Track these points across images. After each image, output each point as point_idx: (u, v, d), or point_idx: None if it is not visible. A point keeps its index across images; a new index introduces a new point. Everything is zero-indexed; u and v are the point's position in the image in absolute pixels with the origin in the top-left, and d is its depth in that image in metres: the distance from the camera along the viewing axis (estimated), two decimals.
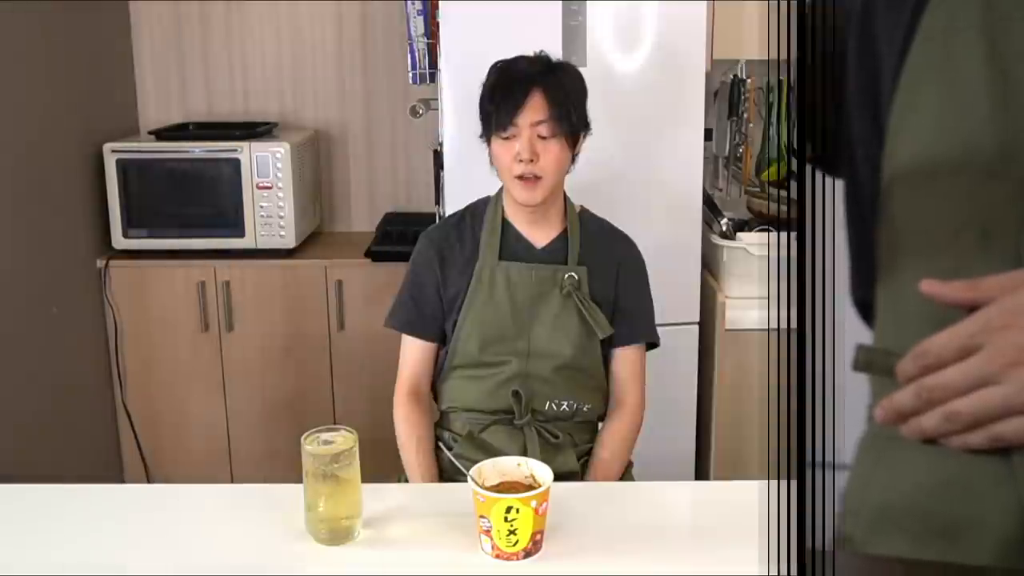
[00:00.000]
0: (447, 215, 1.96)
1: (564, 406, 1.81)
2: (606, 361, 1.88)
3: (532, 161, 1.71)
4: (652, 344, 1.93)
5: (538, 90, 1.70)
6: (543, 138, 1.71)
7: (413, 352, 1.87)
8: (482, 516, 1.33)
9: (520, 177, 1.73)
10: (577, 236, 1.84)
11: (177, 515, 1.51)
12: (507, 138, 1.72)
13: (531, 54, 1.79)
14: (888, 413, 0.78)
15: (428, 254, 1.86)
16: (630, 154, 2.45)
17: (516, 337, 1.80)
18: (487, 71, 1.79)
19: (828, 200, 0.77)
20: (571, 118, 1.73)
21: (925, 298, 0.76)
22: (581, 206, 1.91)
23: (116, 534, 1.44)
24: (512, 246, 1.83)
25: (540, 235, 1.84)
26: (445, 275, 1.84)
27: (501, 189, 1.86)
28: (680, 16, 2.38)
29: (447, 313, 1.85)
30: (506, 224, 1.84)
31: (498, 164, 1.77)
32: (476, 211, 1.88)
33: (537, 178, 1.73)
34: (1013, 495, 0.75)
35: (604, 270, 1.84)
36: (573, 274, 1.80)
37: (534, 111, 1.70)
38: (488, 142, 1.79)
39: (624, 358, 1.88)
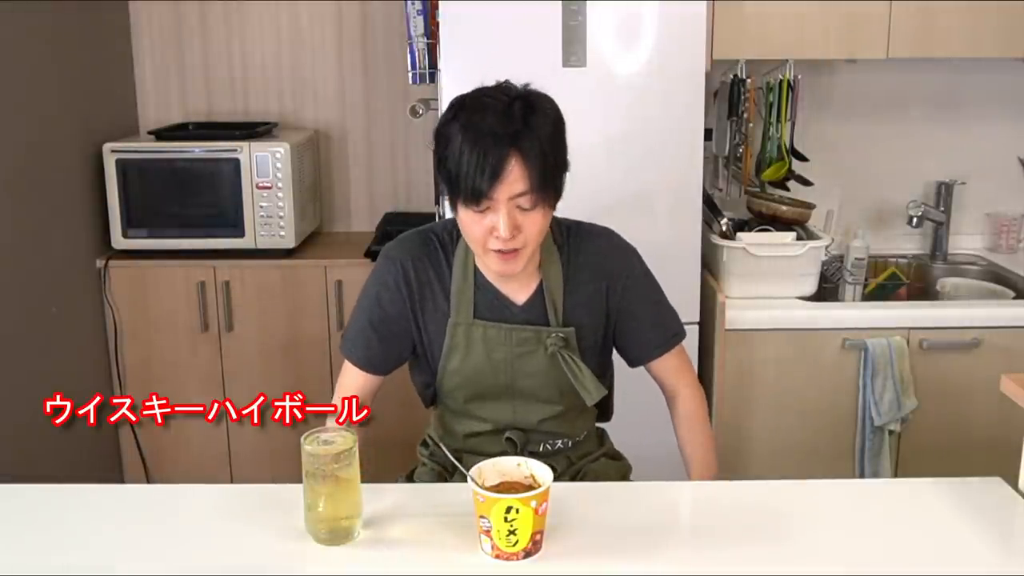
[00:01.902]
0: (413, 233, 1.71)
1: (559, 444, 1.76)
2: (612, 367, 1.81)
3: (513, 237, 1.49)
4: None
5: (516, 156, 1.44)
6: (524, 209, 1.49)
7: (355, 381, 1.73)
8: (482, 516, 1.33)
9: (498, 251, 1.51)
10: (559, 285, 1.65)
11: (177, 515, 1.51)
12: (480, 211, 1.48)
13: (495, 86, 1.54)
14: None
15: (395, 291, 1.66)
16: (630, 154, 2.45)
17: (500, 394, 1.68)
18: (446, 109, 1.53)
19: None
20: (554, 181, 1.51)
21: None
22: (555, 222, 1.69)
23: (116, 534, 1.44)
24: (488, 303, 1.64)
25: (519, 291, 1.65)
26: (419, 326, 1.67)
27: None
28: (680, 16, 2.38)
29: (426, 358, 1.71)
30: (479, 277, 1.64)
31: (467, 234, 1.54)
32: (446, 249, 1.66)
33: (516, 250, 1.52)
34: None
35: (596, 297, 1.68)
36: (559, 333, 1.63)
37: (513, 183, 1.45)
38: (452, 203, 1.53)
39: (663, 367, 1.76)
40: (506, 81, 1.55)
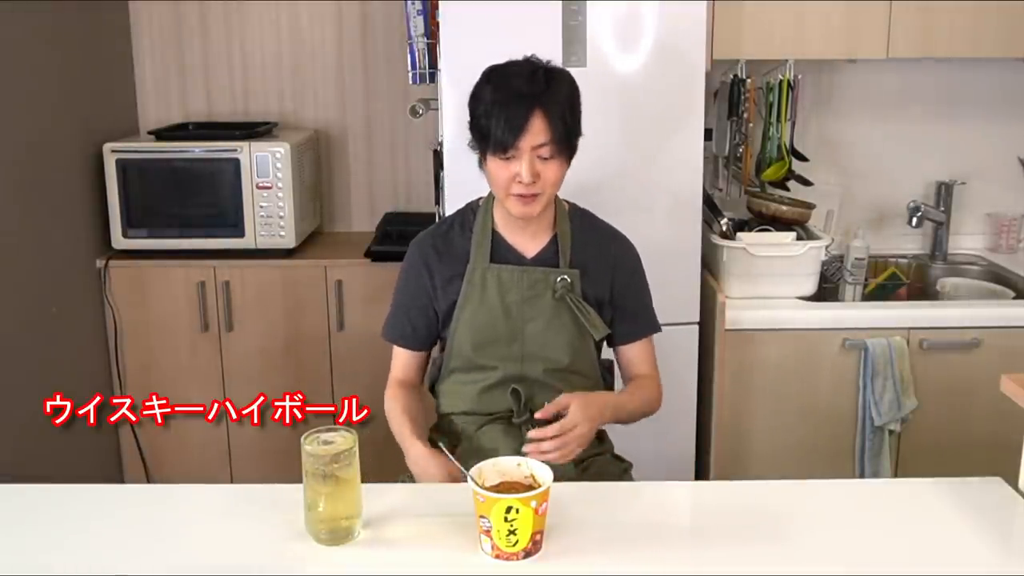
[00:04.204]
0: (438, 221, 1.95)
1: None
2: (602, 358, 1.90)
3: (533, 183, 1.70)
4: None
5: (539, 111, 1.66)
6: (544, 159, 1.70)
7: (402, 359, 1.91)
8: (482, 516, 1.33)
9: (519, 195, 1.72)
10: (568, 239, 1.83)
11: (177, 515, 1.52)
12: (506, 159, 1.70)
13: (522, 59, 1.75)
14: None
15: (418, 266, 1.85)
16: (630, 154, 2.45)
17: (509, 340, 1.80)
18: (479, 76, 1.74)
19: None
20: (570, 137, 1.72)
21: None
22: (569, 204, 1.90)
23: (116, 534, 1.44)
24: (502, 255, 1.82)
25: (530, 244, 1.83)
26: (435, 287, 1.84)
27: (491, 195, 1.84)
28: (680, 16, 2.38)
29: (443, 322, 1.85)
30: (495, 234, 1.84)
31: (494, 180, 1.75)
32: (466, 218, 1.87)
33: (535, 195, 1.72)
34: None
35: (598, 272, 1.84)
36: (565, 276, 1.80)
37: (535, 134, 1.67)
38: (482, 155, 1.75)
39: (634, 354, 1.92)
40: (532, 55, 1.75)
